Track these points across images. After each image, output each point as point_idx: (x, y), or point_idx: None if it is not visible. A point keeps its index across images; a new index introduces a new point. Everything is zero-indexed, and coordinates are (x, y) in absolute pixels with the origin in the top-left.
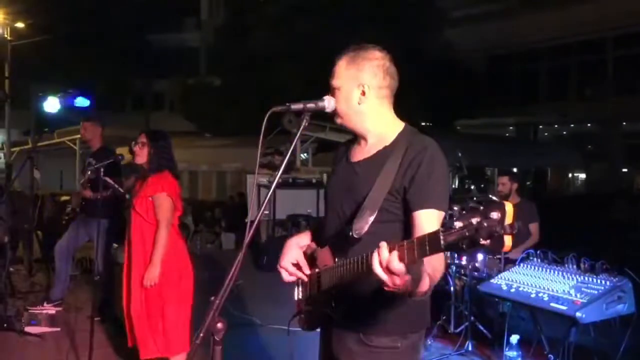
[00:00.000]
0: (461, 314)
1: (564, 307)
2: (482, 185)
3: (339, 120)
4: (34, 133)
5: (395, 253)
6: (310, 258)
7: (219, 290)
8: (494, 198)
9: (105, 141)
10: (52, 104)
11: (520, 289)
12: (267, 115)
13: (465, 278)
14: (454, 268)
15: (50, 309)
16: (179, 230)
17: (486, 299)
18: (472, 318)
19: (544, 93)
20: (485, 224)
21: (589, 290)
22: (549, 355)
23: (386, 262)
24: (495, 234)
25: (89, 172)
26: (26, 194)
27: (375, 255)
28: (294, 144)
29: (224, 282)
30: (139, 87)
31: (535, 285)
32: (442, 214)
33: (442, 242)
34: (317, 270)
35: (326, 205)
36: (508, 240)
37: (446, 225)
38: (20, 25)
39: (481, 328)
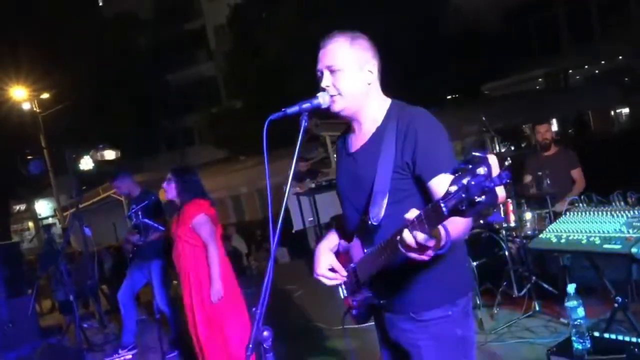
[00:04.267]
0: (522, 276)
1: (618, 247)
2: (523, 145)
3: (339, 106)
4: (76, 194)
5: (416, 232)
6: (345, 255)
7: (259, 301)
8: (477, 154)
9: (143, 185)
10: (86, 163)
11: (571, 237)
12: (266, 124)
13: (517, 240)
14: (504, 232)
15: (126, 355)
16: (222, 247)
17: (546, 256)
18: (533, 278)
19: (567, 37)
20: (473, 182)
21: None
22: (617, 298)
23: (415, 241)
24: (486, 189)
25: (136, 220)
26: (84, 253)
27: (402, 241)
28: (298, 146)
29: (262, 293)
30: (168, 127)
31: (585, 231)
32: None
33: (444, 209)
34: (352, 265)
35: (340, 201)
36: (500, 190)
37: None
38: (45, 95)
39: (545, 286)
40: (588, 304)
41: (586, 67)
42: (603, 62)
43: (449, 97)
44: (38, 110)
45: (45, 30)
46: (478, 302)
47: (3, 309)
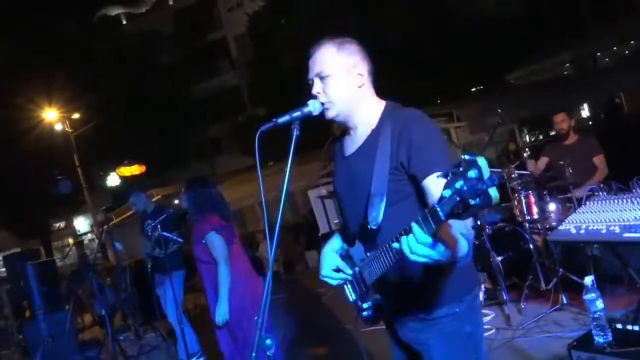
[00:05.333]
0: (549, 268)
1: (638, 234)
2: (553, 133)
3: (332, 113)
4: (105, 211)
5: (411, 236)
6: (347, 258)
7: (261, 310)
8: (466, 156)
9: (174, 196)
10: (113, 179)
11: (590, 227)
12: (257, 136)
13: (542, 232)
14: (527, 225)
15: None
16: (243, 257)
17: (573, 246)
18: (560, 270)
19: (591, 18)
20: (466, 187)
21: None
22: None
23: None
24: (479, 191)
25: (155, 234)
26: (119, 266)
27: (403, 244)
28: (291, 155)
29: (263, 301)
30: (195, 138)
31: (605, 220)
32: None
33: (440, 214)
34: (357, 269)
35: (340, 206)
36: (493, 192)
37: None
38: (76, 115)
39: (573, 278)
40: (618, 294)
41: (615, 48)
42: (632, 42)
43: (473, 89)
44: (70, 131)
45: (73, 52)
46: (505, 297)
47: (43, 325)
